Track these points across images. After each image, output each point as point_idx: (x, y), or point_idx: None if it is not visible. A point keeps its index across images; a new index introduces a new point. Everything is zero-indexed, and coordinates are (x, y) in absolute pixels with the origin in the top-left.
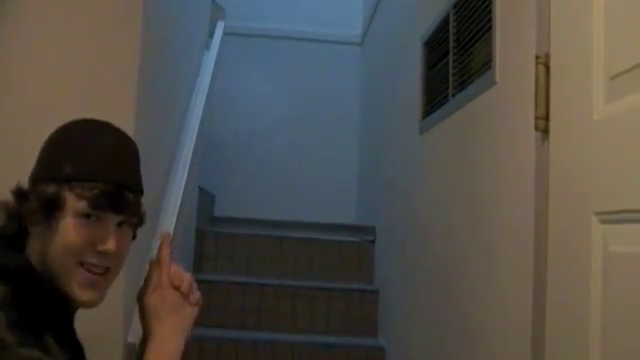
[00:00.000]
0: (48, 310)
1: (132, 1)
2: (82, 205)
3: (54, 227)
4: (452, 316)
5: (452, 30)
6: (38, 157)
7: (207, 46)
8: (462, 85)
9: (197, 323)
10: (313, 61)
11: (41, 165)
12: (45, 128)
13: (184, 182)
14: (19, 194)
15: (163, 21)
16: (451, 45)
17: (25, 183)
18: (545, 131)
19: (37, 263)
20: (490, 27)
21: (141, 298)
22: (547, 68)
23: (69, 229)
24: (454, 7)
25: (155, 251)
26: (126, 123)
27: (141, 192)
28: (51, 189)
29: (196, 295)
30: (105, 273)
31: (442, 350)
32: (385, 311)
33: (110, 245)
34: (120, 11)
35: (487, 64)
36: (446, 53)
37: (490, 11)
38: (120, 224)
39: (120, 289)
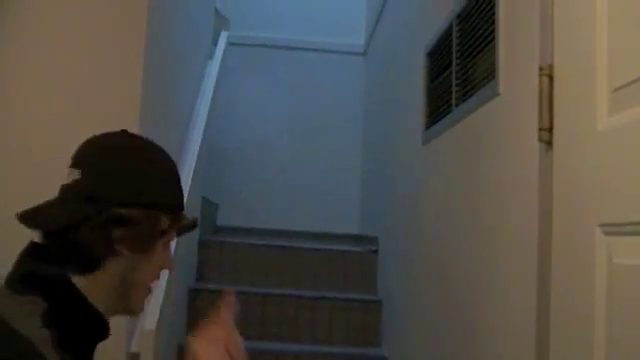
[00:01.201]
0: (84, 330)
1: (136, 12)
2: (173, 233)
3: (148, 252)
4: (455, 327)
5: (455, 41)
6: (113, 176)
7: (210, 56)
8: (465, 96)
9: None
10: (316, 71)
11: (125, 188)
12: (46, 129)
13: (187, 191)
14: (121, 219)
15: (167, 31)
16: (454, 56)
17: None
18: (549, 142)
19: (113, 283)
20: (493, 38)
21: (192, 344)
22: (551, 79)
23: (164, 256)
24: (457, 17)
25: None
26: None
27: None
28: (164, 219)
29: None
30: None
31: None
32: (388, 321)
33: (173, 267)
34: (123, 22)
35: (490, 75)
36: (449, 64)
37: (493, 22)
38: None
39: None
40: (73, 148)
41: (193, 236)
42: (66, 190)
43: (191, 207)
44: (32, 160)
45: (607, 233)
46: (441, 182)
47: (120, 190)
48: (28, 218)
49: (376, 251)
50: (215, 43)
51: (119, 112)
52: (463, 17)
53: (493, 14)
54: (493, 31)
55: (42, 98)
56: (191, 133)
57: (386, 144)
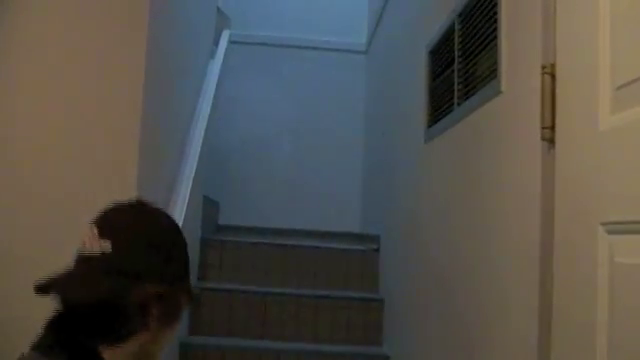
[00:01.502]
0: None
1: (137, 14)
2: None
3: (172, 326)
4: (456, 325)
5: (457, 39)
6: (145, 251)
7: (212, 54)
8: (467, 94)
9: (202, 332)
10: (318, 69)
11: (156, 263)
12: (46, 131)
13: (189, 190)
14: (156, 295)
15: (168, 33)
16: (456, 54)
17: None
18: (551, 141)
19: (133, 355)
20: (495, 36)
21: None
22: (553, 78)
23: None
24: (459, 16)
25: None
26: (132, 131)
27: None
28: (184, 293)
29: None
30: None
31: (446, 359)
32: (390, 320)
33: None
34: (125, 24)
35: (492, 73)
36: (451, 62)
37: (495, 20)
38: None
39: None
40: (74, 150)
41: (194, 235)
42: (94, 261)
43: (193, 206)
44: (32, 162)
45: (609, 232)
46: (443, 180)
47: (152, 266)
48: (47, 288)
49: (378, 250)
50: (217, 42)
51: (121, 114)
52: (465, 15)
53: (495, 12)
54: (495, 29)
55: (42, 101)
56: (193, 132)
57: (388, 142)
